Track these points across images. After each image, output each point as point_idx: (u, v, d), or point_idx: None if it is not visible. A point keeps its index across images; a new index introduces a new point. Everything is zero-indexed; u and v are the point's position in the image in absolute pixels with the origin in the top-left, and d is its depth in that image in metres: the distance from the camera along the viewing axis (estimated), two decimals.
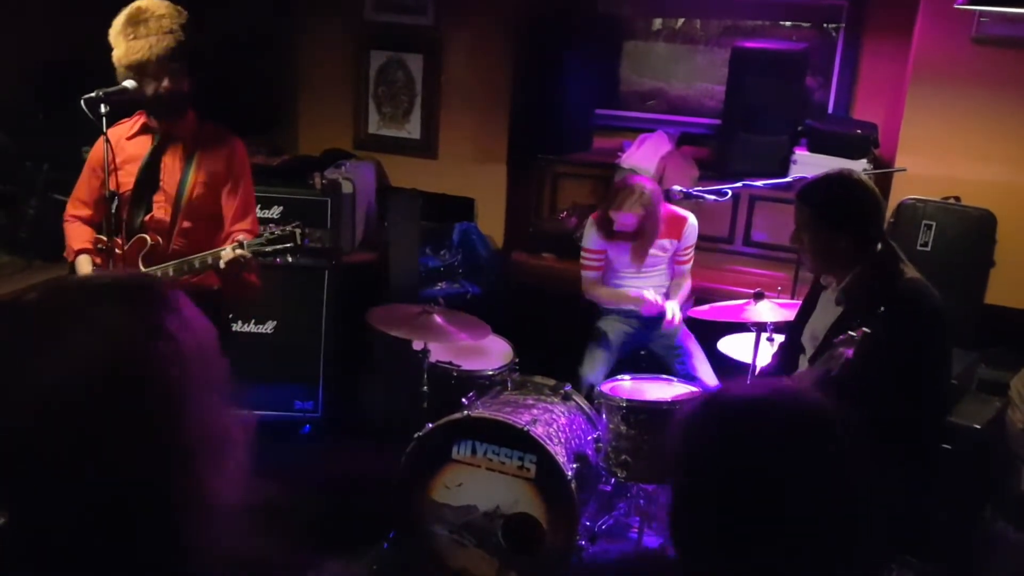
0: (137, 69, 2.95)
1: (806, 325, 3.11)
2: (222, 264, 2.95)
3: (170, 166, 3.15)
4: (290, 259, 3.02)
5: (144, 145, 3.16)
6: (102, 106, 2.83)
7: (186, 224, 3.14)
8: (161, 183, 3.15)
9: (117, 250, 3.02)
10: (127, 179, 3.13)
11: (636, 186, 4.00)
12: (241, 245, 2.96)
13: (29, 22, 4.65)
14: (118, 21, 2.96)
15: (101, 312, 1.04)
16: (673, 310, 4.00)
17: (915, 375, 2.75)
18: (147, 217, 3.14)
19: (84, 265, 3.16)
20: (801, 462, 1.22)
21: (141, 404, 1.02)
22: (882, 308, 2.60)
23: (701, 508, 1.27)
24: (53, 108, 4.41)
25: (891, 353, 2.60)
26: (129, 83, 2.95)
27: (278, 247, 2.96)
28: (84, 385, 1.00)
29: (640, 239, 4.07)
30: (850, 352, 2.57)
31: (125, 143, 3.15)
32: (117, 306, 1.05)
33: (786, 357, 3.25)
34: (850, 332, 2.58)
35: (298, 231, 2.95)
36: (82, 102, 2.81)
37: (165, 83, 2.98)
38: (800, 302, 3.62)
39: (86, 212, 3.26)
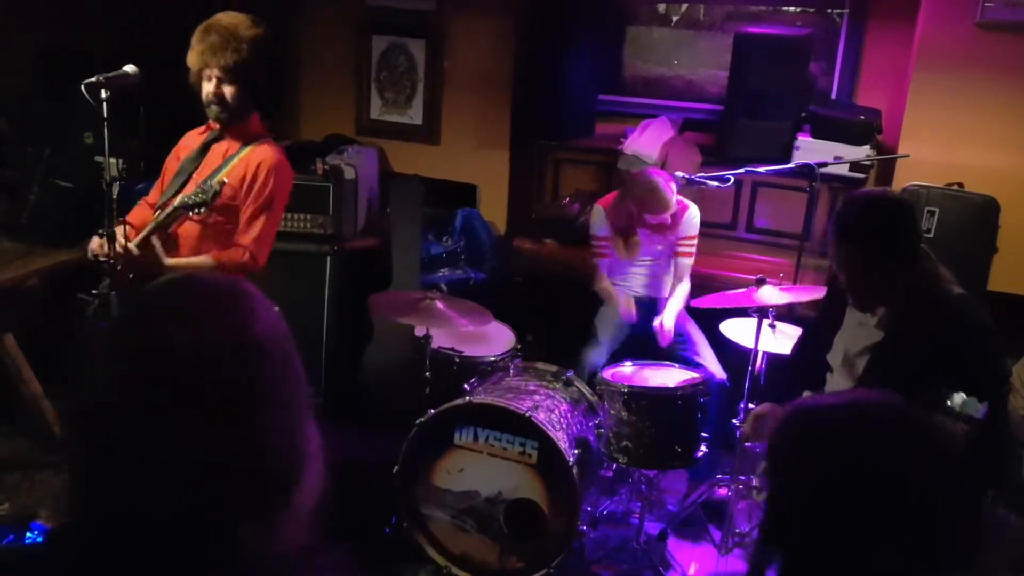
0: (195, 72, 3.11)
1: (833, 343, 2.86)
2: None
3: (210, 160, 3.23)
4: (200, 211, 3.04)
5: (201, 141, 3.29)
6: (103, 91, 2.84)
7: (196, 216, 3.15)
8: (195, 175, 3.22)
9: (121, 239, 3.02)
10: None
11: (657, 185, 3.96)
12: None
13: (30, 8, 4.63)
14: (200, 27, 3.12)
15: (198, 316, 1.05)
16: (664, 322, 4.02)
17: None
18: (170, 199, 3.19)
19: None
20: (900, 461, 1.27)
21: (231, 408, 1.02)
22: (947, 337, 2.41)
23: (804, 510, 1.30)
24: (54, 94, 4.40)
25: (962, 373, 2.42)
26: (129, 68, 2.97)
27: (196, 198, 3.01)
28: (178, 384, 1.00)
29: (663, 228, 4.09)
30: None
31: (196, 136, 3.31)
32: (212, 311, 1.06)
33: (808, 374, 2.98)
34: None
35: (214, 187, 2.99)
36: (83, 87, 2.82)
37: (218, 89, 3.09)
38: (799, 295, 3.59)
39: (155, 197, 3.35)
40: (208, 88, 3.11)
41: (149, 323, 1.04)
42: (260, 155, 3.20)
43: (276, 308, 1.13)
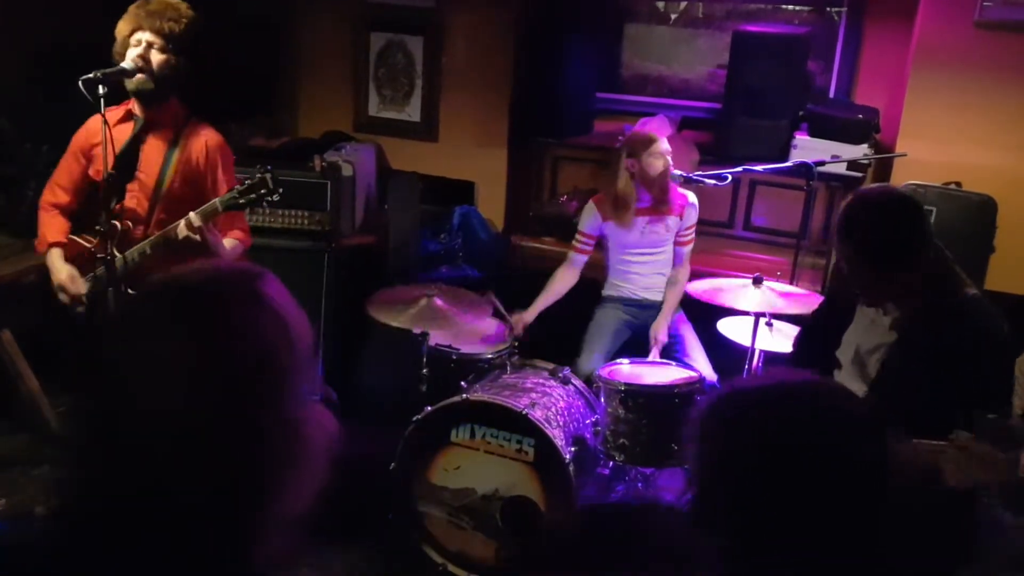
0: (124, 38, 3.02)
1: (843, 339, 2.75)
2: (180, 236, 2.98)
3: (149, 155, 3.15)
4: (267, 202, 2.93)
5: (126, 132, 3.16)
6: (100, 87, 2.84)
7: (162, 215, 3.13)
8: (138, 172, 3.15)
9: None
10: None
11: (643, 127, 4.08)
12: (189, 222, 2.95)
13: (29, 5, 4.63)
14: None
15: (202, 309, 1.05)
16: (657, 333, 4.01)
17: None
18: (117, 205, 3.12)
19: (56, 259, 3.17)
20: (821, 441, 1.27)
21: (243, 398, 1.02)
22: (965, 345, 2.32)
23: (728, 491, 1.31)
24: (53, 90, 4.40)
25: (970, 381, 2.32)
26: (128, 64, 2.96)
27: (251, 196, 2.92)
28: (189, 381, 1.00)
29: (661, 198, 4.07)
30: None
31: (111, 129, 3.13)
32: (215, 300, 1.07)
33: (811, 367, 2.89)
34: None
35: (268, 175, 2.89)
36: (80, 83, 2.82)
37: (146, 53, 3.00)
38: (803, 295, 3.58)
39: (64, 199, 3.26)
40: (135, 52, 2.99)
41: (178, 325, 1.03)
42: (204, 136, 3.17)
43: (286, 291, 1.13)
